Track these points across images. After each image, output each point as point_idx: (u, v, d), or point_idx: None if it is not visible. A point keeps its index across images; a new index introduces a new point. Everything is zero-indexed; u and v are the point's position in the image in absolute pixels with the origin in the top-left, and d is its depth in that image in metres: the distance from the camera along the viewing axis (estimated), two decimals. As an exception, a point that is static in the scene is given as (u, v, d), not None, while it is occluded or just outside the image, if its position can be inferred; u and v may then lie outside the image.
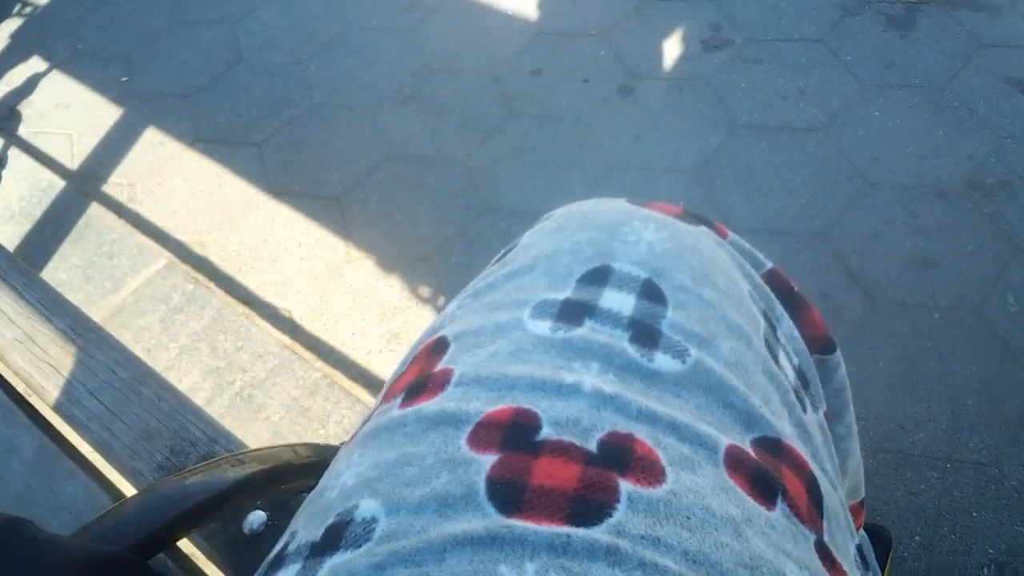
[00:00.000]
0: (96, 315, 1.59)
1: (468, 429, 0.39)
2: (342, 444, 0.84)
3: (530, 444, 0.38)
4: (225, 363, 1.49)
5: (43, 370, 0.79)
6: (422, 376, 0.47)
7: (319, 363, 1.50)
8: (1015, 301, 1.39)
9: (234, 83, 2.02)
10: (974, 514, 1.15)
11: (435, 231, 1.67)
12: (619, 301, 0.47)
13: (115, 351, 0.79)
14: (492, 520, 0.34)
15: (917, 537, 1.14)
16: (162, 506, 0.50)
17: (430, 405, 0.43)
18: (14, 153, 1.96)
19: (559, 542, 0.32)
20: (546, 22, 2.05)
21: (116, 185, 1.85)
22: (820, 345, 0.58)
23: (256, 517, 0.66)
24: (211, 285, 1.63)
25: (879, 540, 1.02)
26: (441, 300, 1.56)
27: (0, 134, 2.00)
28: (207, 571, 0.64)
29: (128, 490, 0.71)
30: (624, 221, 0.53)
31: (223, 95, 1.99)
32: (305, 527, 0.40)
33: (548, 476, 0.36)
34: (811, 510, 0.41)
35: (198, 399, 1.42)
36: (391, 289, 1.59)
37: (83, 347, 0.79)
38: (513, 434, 0.38)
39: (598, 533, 0.33)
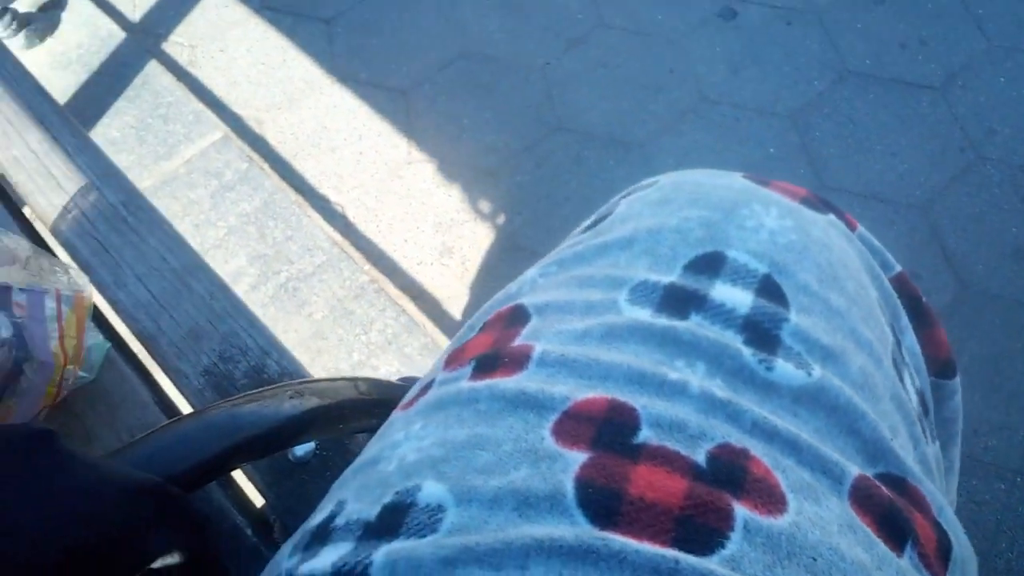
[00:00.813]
0: (146, 180, 1.53)
1: (553, 417, 0.35)
2: (399, 381, 0.78)
3: (627, 446, 0.33)
4: (273, 251, 1.43)
5: (90, 245, 0.73)
6: (497, 348, 0.41)
7: (367, 266, 1.44)
8: (1123, 311, 1.27)
9: (309, -50, 1.88)
10: (1036, 530, 1.09)
11: (502, 143, 1.57)
12: (733, 296, 0.40)
13: (167, 236, 0.73)
14: (583, 529, 0.30)
15: (970, 544, 1.08)
16: (213, 436, 0.45)
17: (507, 383, 0.38)
18: (75, -4, 1.87)
19: (665, 567, 0.28)
20: (652, -74, 1.86)
21: (177, 45, 1.76)
22: (940, 368, 0.52)
23: (303, 446, 0.61)
24: (265, 166, 1.56)
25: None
26: (501, 218, 1.48)
27: (62, -26, 1.90)
28: (247, 494, 0.60)
29: (168, 387, 0.67)
30: (742, 202, 0.46)
31: (296, -38, 1.86)
32: (356, 499, 0.36)
33: (649, 487, 0.31)
34: (938, 561, 0.36)
35: (242, 285, 1.38)
36: (450, 199, 1.51)
37: (134, 227, 0.73)
38: (608, 431, 0.34)
39: (711, 564, 0.28)
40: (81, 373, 0.63)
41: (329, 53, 1.71)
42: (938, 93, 1.56)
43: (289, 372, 0.65)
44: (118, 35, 1.77)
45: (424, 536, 0.32)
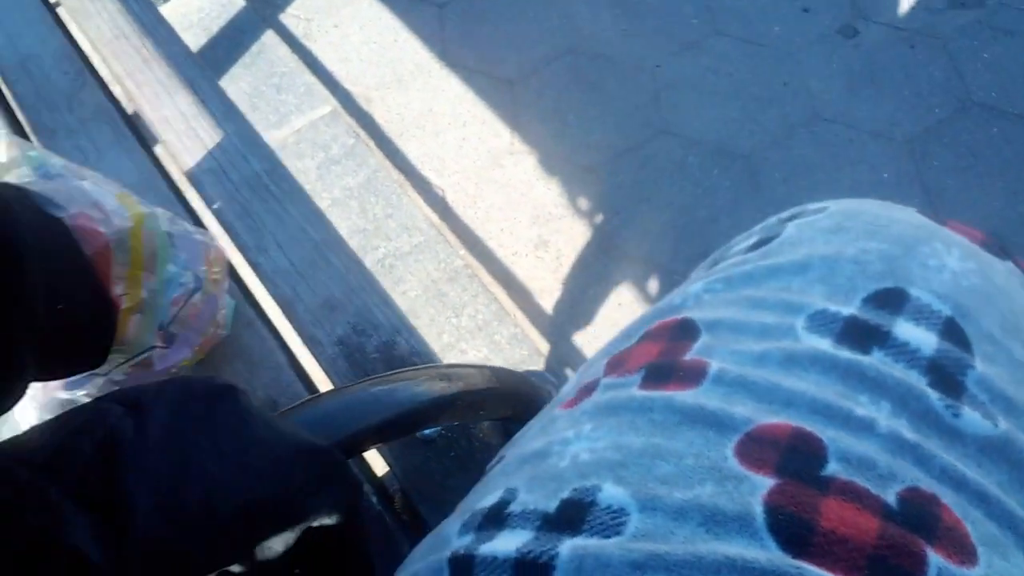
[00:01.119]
0: (256, 147, 1.58)
1: (735, 438, 0.35)
2: (528, 372, 0.79)
3: (815, 477, 0.33)
4: (372, 227, 1.46)
5: (234, 208, 0.76)
6: (668, 360, 0.41)
7: (463, 251, 1.46)
8: None
9: (429, -66, 1.90)
10: None
11: (606, 141, 1.56)
12: (917, 336, 0.39)
13: (308, 209, 0.75)
14: (775, 555, 0.30)
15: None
16: (374, 408, 0.46)
17: (683, 396, 0.38)
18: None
19: None
20: (778, -66, 1.82)
21: (293, 17, 1.80)
22: None
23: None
24: (371, 144, 1.59)
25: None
26: (600, 217, 1.48)
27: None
28: (374, 466, 0.62)
29: (303, 354, 0.69)
30: (923, 239, 0.45)
31: (415, -56, 1.89)
32: (528, 489, 0.36)
33: (841, 522, 0.31)
34: None
35: (342, 257, 1.41)
36: (549, 192, 1.52)
37: (277, 196, 0.76)
38: (794, 459, 0.33)
39: None
40: (221, 332, 0.66)
41: (440, 37, 1.73)
42: (1068, 131, 1.49)
43: (418, 351, 0.67)
44: (237, 2, 1.83)
45: (608, 537, 0.32)
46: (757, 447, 0.34)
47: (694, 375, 0.39)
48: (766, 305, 0.43)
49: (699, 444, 0.35)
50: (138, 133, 0.82)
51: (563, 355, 1.35)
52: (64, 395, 0.61)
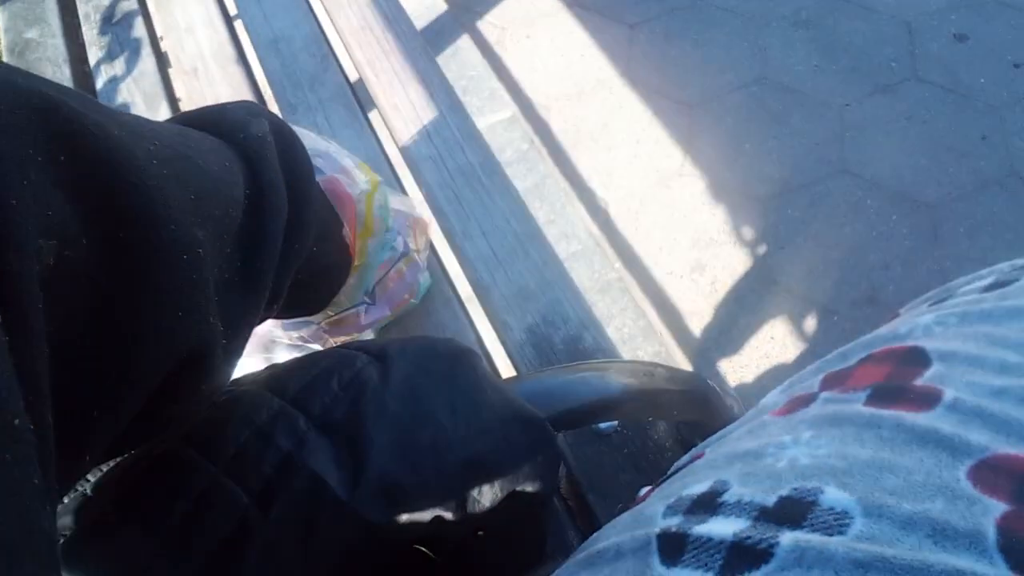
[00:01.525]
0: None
1: (969, 463, 0.35)
2: (705, 380, 0.81)
3: None
4: (537, 230, 1.52)
5: (447, 194, 0.82)
6: (897, 382, 0.42)
7: (618, 264, 1.49)
8: None
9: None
10: None
11: (780, 175, 1.54)
12: None
13: (514, 202, 0.81)
14: (1004, 574, 0.30)
15: None
16: (584, 389, 0.50)
17: (915, 418, 0.38)
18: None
19: None
20: (996, -19, 1.73)
21: (489, 24, 1.90)
22: None
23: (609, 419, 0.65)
24: (543, 151, 1.66)
25: None
26: (763, 248, 1.46)
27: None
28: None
29: (490, 340, 0.74)
30: None
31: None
32: (742, 483, 0.38)
33: None
34: None
35: (507, 254, 1.47)
36: (713, 218, 1.52)
37: (487, 187, 0.82)
38: None
39: None
40: (411, 300, 0.72)
41: (626, 56, 1.77)
42: None
43: (603, 348, 0.70)
44: (440, 6, 1.95)
45: (831, 535, 0.33)
46: (992, 474, 0.34)
47: (927, 399, 0.39)
48: (1007, 344, 0.43)
49: (930, 463, 0.35)
50: (367, 117, 0.90)
51: (709, 381, 1.35)
52: (281, 334, 0.69)
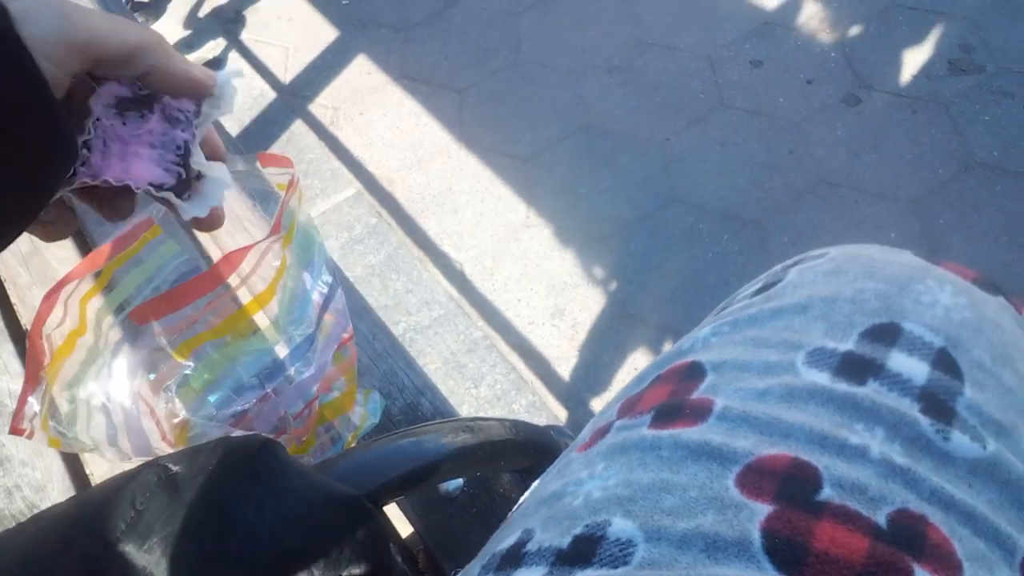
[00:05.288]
0: (284, 228, 1.66)
1: (736, 469, 0.37)
2: (548, 427, 0.82)
3: (810, 502, 0.35)
4: (393, 302, 1.52)
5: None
6: (676, 399, 0.44)
7: (481, 322, 1.50)
8: None
9: (448, 24, 2.03)
10: None
11: (618, 212, 1.62)
12: (909, 366, 0.42)
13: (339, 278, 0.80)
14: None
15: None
16: (401, 458, 0.50)
17: (690, 433, 0.40)
18: (233, 56, 2.06)
19: None
20: (776, 11, 1.92)
21: (321, 106, 1.92)
22: None
23: (454, 481, 0.65)
24: (392, 223, 1.67)
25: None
26: (614, 284, 1.52)
27: (224, 36, 2.11)
28: (399, 528, 0.64)
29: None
30: (917, 277, 0.48)
31: (435, 35, 2.01)
32: (544, 528, 0.39)
33: (832, 543, 0.33)
34: None
35: (366, 330, 1.45)
36: (564, 263, 1.57)
37: (307, 269, 0.81)
38: (791, 487, 0.36)
39: None
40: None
41: (459, 120, 1.83)
42: (1072, 188, 1.52)
43: (441, 411, 0.70)
44: (269, 95, 1.95)
45: (617, 567, 0.34)
46: (757, 477, 0.36)
47: (700, 412, 0.42)
48: (769, 344, 0.45)
49: (703, 476, 0.37)
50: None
51: (581, 421, 1.37)
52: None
